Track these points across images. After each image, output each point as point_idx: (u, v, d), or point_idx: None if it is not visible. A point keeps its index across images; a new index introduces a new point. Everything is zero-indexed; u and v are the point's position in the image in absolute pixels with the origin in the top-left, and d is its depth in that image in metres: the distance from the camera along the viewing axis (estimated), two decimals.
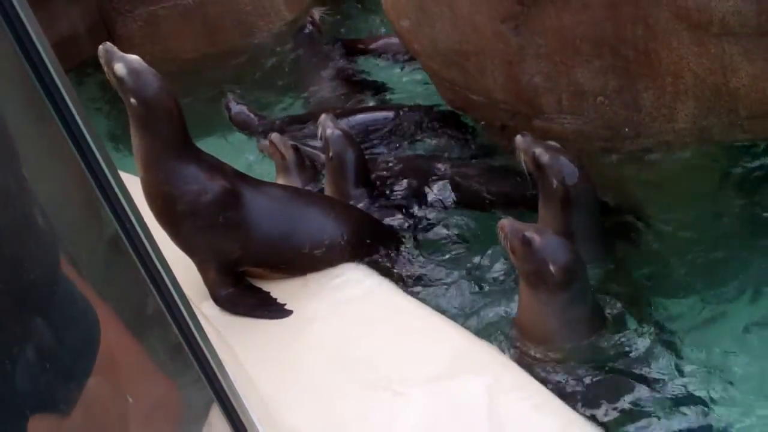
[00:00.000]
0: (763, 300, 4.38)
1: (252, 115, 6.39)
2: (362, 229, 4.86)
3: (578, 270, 4.02)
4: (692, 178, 5.04)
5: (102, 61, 4.24)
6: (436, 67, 5.14)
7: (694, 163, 4.97)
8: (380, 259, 4.76)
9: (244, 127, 6.40)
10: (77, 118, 1.75)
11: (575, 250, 4.05)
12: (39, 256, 1.76)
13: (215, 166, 4.53)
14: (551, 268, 3.91)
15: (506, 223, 4.02)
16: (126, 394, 1.97)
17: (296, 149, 5.30)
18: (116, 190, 1.93)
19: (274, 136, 5.34)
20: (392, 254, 4.84)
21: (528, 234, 3.94)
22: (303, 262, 4.62)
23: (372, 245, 4.79)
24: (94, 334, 1.87)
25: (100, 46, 4.26)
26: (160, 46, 7.87)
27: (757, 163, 4.91)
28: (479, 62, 4.82)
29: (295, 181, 5.31)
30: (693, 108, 4.48)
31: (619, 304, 4.27)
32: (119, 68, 4.21)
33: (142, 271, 2.03)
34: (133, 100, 4.22)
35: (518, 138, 4.39)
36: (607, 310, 4.23)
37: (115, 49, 4.26)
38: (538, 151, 4.31)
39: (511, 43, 4.63)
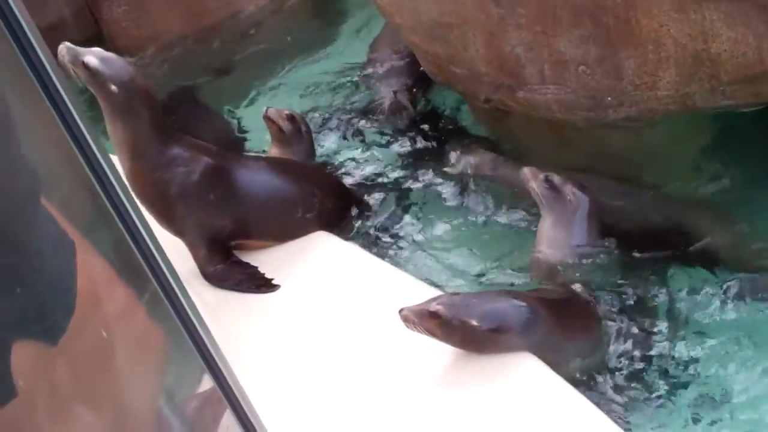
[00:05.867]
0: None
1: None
2: (342, 194, 5.08)
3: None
4: (678, 147, 5.10)
5: (66, 60, 4.21)
6: (418, 40, 5.14)
7: (679, 131, 5.03)
8: (357, 228, 4.96)
9: None
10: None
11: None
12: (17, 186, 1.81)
13: (198, 146, 4.64)
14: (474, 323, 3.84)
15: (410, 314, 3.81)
16: (101, 329, 2.01)
17: (292, 119, 5.32)
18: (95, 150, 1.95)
19: (271, 111, 5.34)
20: (369, 222, 5.02)
21: (432, 308, 3.80)
22: (296, 227, 4.74)
23: (350, 211, 5.00)
24: (72, 264, 1.91)
25: (60, 47, 4.24)
26: (146, 30, 7.85)
27: (741, 129, 4.99)
28: (461, 34, 4.83)
29: (292, 152, 5.32)
30: (675, 75, 4.49)
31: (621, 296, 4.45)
32: (91, 60, 4.23)
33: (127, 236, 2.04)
34: (113, 87, 4.26)
35: (525, 169, 4.69)
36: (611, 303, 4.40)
37: (76, 46, 4.27)
38: (548, 174, 4.63)
39: (492, 13, 4.64)
